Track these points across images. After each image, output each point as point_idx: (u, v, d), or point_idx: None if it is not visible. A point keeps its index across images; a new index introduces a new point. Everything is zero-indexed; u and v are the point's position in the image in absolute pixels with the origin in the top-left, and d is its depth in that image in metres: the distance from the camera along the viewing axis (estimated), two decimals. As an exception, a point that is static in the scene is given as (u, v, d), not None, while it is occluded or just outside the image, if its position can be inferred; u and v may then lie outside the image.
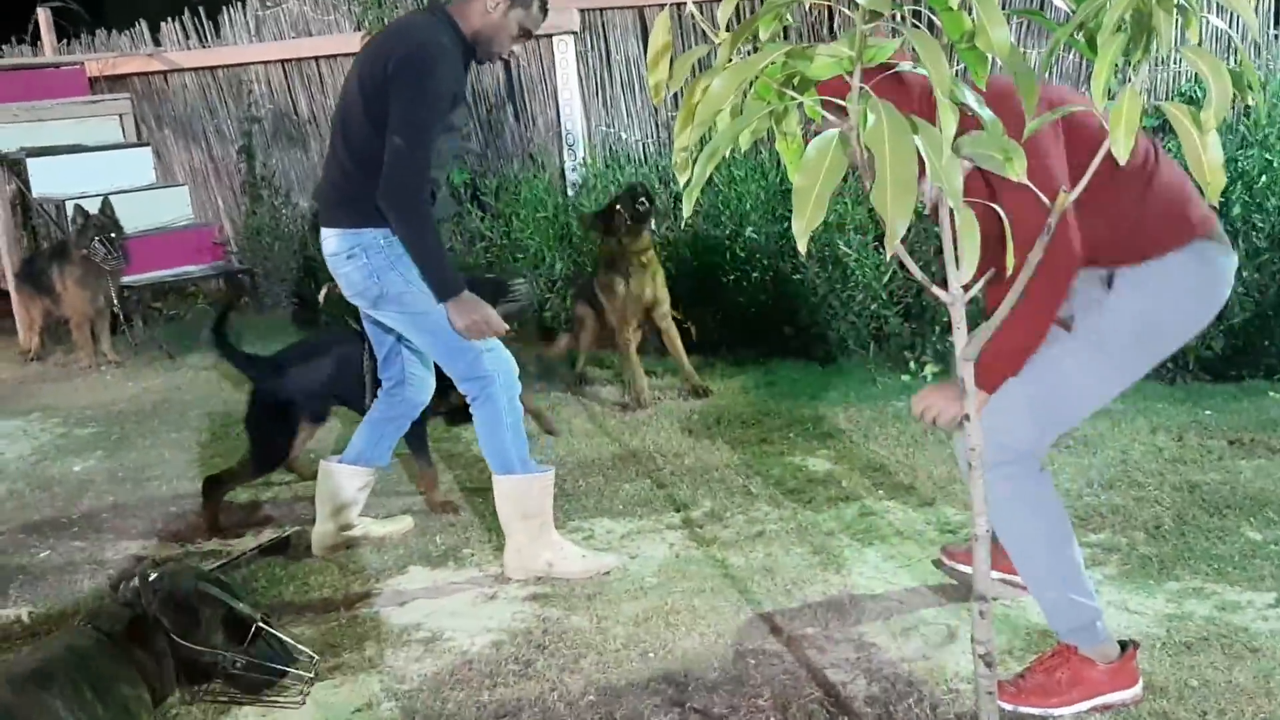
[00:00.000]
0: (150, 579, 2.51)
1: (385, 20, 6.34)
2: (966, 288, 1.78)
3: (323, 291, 3.69)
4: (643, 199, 4.69)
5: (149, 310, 7.25)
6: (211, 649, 2.44)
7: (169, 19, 7.59)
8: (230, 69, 7.47)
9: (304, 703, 2.47)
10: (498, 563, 3.28)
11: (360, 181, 3.02)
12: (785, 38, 1.79)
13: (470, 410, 3.17)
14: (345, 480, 3.41)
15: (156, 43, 7.68)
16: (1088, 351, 2.36)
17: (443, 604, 3.07)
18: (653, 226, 4.87)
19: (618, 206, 4.74)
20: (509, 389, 3.13)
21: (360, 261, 3.06)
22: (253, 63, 7.36)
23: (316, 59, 7.14)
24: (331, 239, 3.12)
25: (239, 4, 7.36)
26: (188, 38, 7.56)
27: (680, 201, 1.79)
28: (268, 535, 3.62)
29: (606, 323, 4.94)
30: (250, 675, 2.40)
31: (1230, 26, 4.44)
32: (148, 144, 7.62)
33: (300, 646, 2.41)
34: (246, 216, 7.48)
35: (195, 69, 7.58)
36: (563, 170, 6.36)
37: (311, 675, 2.45)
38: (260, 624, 2.47)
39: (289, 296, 7.22)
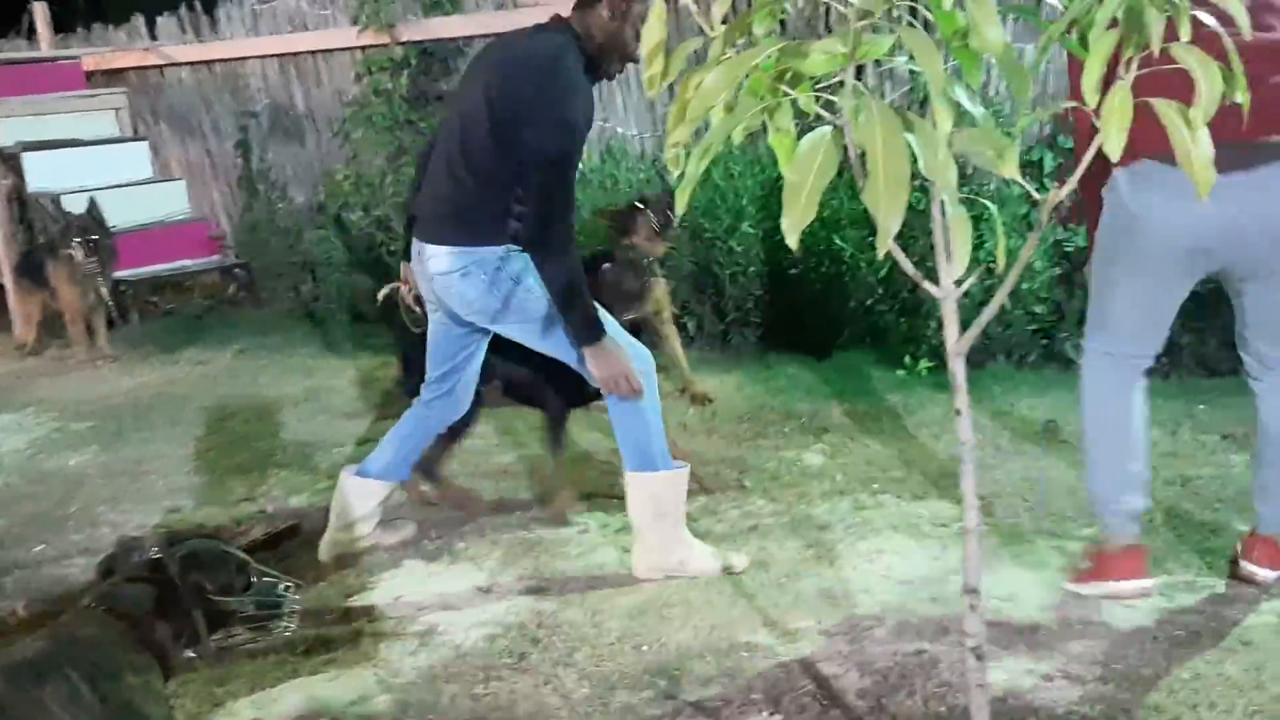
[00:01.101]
0: (171, 548, 2.64)
1: (381, 15, 6.33)
2: (958, 283, 1.79)
3: (383, 292, 3.56)
4: (669, 210, 4.50)
5: (146, 305, 7.26)
6: (237, 599, 2.58)
7: (165, 13, 7.59)
8: (227, 63, 7.46)
9: (297, 626, 2.62)
10: (493, 556, 3.30)
11: (479, 199, 2.95)
12: (784, 32, 1.80)
13: (608, 406, 3.09)
14: (369, 494, 3.32)
15: (153, 37, 7.68)
16: (1094, 255, 2.71)
17: (438, 598, 3.08)
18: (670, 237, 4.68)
19: (642, 208, 4.52)
20: (650, 382, 3.06)
21: (478, 278, 2.97)
22: (250, 57, 7.35)
23: (314, 54, 7.13)
24: (442, 257, 3.00)
25: (237, -1, 7.37)
26: (184, 32, 7.56)
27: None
28: (260, 530, 3.62)
29: None
30: (259, 614, 2.58)
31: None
32: (144, 138, 7.62)
33: (282, 577, 2.60)
34: (243, 211, 7.48)
35: (192, 63, 7.58)
36: (559, 166, 6.34)
37: (297, 601, 2.64)
38: (257, 567, 2.65)
39: (286, 291, 7.23)
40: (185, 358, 6.20)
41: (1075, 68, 2.38)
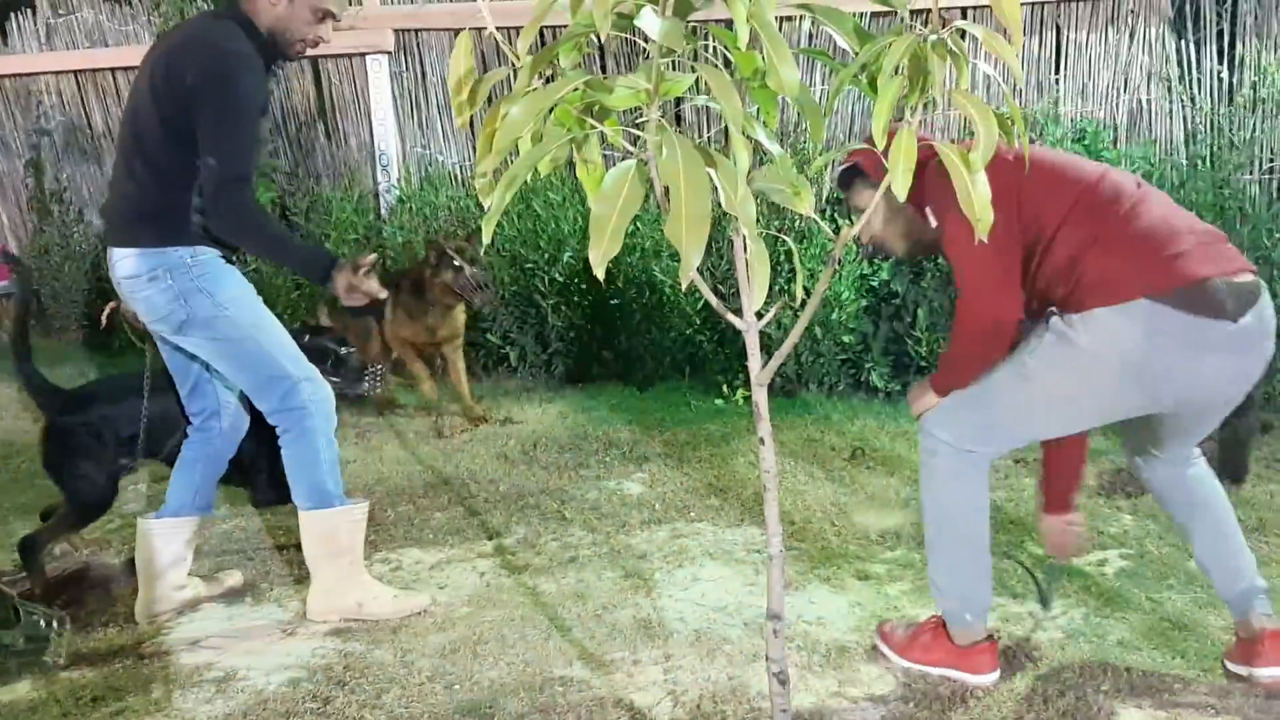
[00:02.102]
0: None
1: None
2: (760, 315, 1.84)
3: (105, 311, 3.39)
4: (483, 288, 4.64)
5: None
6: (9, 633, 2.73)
7: (-51, 24, 7.10)
8: (18, 79, 7.02)
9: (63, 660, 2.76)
10: (298, 597, 3.16)
11: (159, 197, 2.83)
12: (603, 68, 1.82)
13: (280, 444, 2.98)
14: (167, 537, 3.09)
15: (-66, 48, 7.16)
16: (1015, 380, 2.45)
17: (238, 642, 2.93)
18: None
19: (462, 269, 4.60)
20: (326, 422, 2.95)
21: (164, 284, 2.84)
22: (43, 72, 6.94)
23: (113, 70, 6.79)
24: (128, 260, 2.87)
25: (28, 11, 6.94)
26: (-30, 44, 7.08)
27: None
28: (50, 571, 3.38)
29: (384, 340, 4.91)
30: (26, 648, 2.73)
31: (999, 73, 4.74)
32: (-77, 155, 7.08)
33: (47, 610, 2.74)
34: (34, 234, 7.04)
35: (-22, 77, 7.10)
36: (376, 191, 6.24)
37: (65, 632, 2.81)
38: (20, 603, 2.80)
39: (79, 318, 6.83)
40: (-35, 390, 5.76)
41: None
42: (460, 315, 4.84)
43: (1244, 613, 2.57)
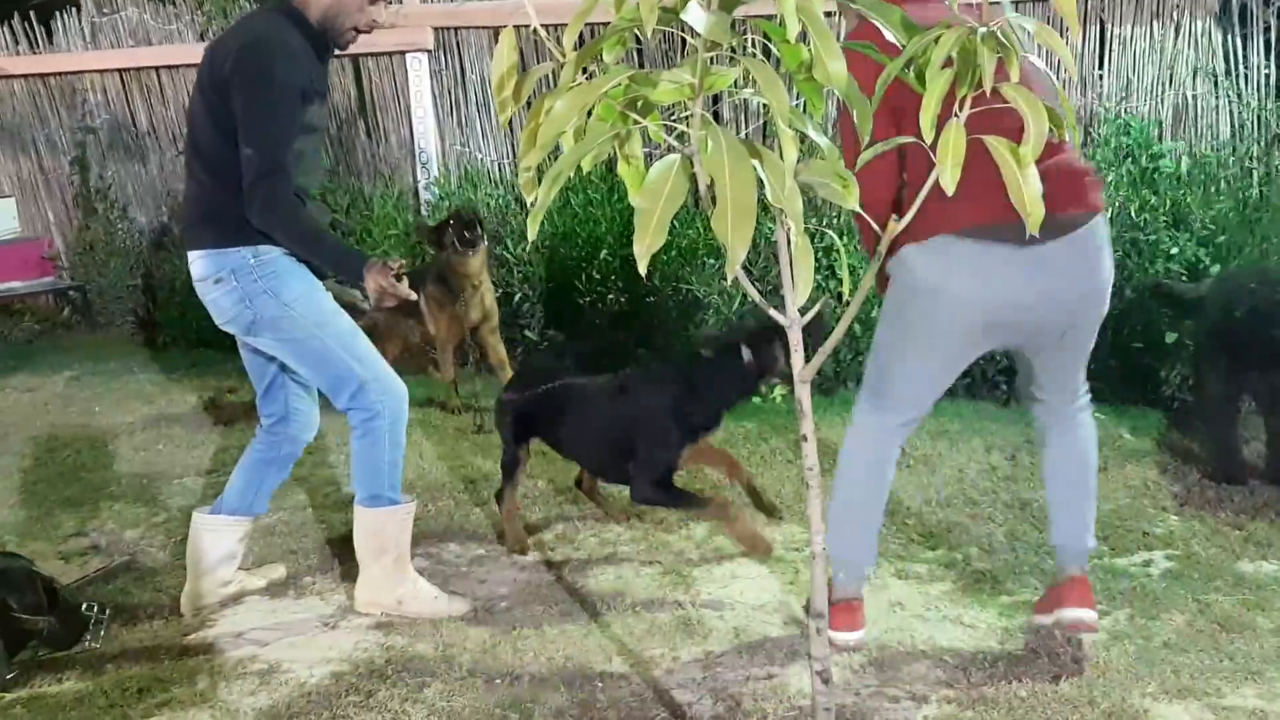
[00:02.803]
0: None
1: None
2: (802, 312, 1.83)
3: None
4: (471, 228, 4.72)
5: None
6: (44, 617, 2.80)
7: (-3, 23, 7.22)
8: (63, 77, 7.12)
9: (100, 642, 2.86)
10: (341, 590, 3.19)
11: (218, 197, 2.84)
12: (641, 63, 1.81)
13: (351, 439, 2.99)
14: (222, 534, 3.12)
15: (-17, 47, 7.28)
16: (881, 324, 2.67)
17: (281, 634, 2.96)
18: (484, 250, 4.86)
19: (449, 224, 4.76)
20: (395, 423, 2.96)
21: (230, 285, 2.85)
22: (88, 71, 7.04)
23: (157, 69, 6.88)
24: (198, 262, 2.89)
25: (73, 10, 7.04)
26: (17, 43, 7.18)
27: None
28: (95, 564, 3.43)
29: (424, 336, 4.99)
30: (62, 631, 2.81)
31: (1049, 66, 4.69)
32: (-30, 153, 7.20)
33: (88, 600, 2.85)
34: (79, 230, 7.15)
35: (25, 76, 7.20)
36: (416, 188, 6.28)
37: (105, 619, 2.89)
38: (58, 588, 2.88)
39: (124, 315, 6.92)
40: (13, 384, 5.86)
41: (848, 128, 2.39)
42: (489, 296, 4.90)
43: (1070, 563, 2.74)
